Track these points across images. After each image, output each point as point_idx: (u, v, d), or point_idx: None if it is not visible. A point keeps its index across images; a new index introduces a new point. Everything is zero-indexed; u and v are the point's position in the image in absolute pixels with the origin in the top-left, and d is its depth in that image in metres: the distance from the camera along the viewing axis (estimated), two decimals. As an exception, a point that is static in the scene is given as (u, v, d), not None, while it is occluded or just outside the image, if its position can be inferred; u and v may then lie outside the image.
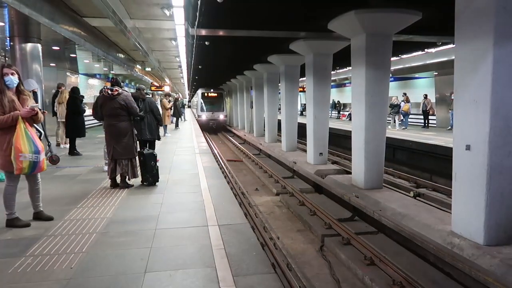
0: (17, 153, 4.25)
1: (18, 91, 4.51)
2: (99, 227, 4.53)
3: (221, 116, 31.34)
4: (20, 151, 4.25)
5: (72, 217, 4.92)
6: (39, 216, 4.80)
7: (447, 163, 9.08)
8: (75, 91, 10.79)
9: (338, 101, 34.91)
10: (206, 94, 31.59)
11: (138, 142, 7.15)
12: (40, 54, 11.65)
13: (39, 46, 11.60)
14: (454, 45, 5.93)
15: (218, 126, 31.94)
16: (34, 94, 8.54)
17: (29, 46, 11.34)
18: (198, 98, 32.39)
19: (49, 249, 3.86)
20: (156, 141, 8.84)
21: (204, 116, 30.79)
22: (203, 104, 31.25)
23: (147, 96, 9.02)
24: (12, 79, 4.37)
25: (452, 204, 5.93)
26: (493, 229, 5.26)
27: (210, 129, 31.51)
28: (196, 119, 31.95)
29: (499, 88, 5.09)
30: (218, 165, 8.91)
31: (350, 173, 9.73)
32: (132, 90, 37.47)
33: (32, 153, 4.33)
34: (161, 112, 15.09)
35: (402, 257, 5.99)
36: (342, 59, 11.78)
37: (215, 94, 31.87)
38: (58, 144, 11.85)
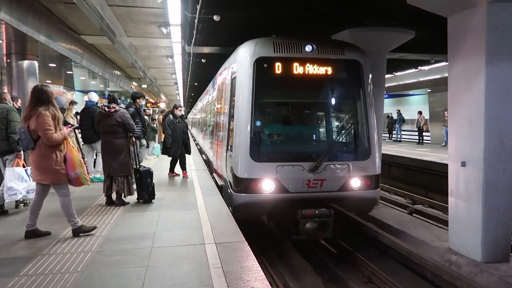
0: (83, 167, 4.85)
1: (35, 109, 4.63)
2: (95, 246, 4.47)
3: (358, 182, 6.31)
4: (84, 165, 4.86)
5: (67, 235, 4.86)
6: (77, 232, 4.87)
7: (442, 179, 9.12)
8: None
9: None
10: (282, 67, 6.44)
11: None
12: (37, 71, 11.69)
13: (35, 63, 11.65)
14: (447, 63, 6.04)
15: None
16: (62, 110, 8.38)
17: (25, 63, 11.39)
18: (238, 91, 6.55)
19: (44, 269, 3.79)
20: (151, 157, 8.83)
21: (271, 183, 6.09)
22: (263, 127, 6.79)
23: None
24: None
25: (448, 220, 5.94)
26: (490, 246, 5.27)
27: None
28: (225, 198, 6.99)
29: (492, 105, 5.18)
30: (214, 181, 8.88)
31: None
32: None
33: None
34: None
35: (400, 275, 5.95)
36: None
37: (327, 68, 6.54)
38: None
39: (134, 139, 7.47)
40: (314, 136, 7.51)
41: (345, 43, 7.08)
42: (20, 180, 5.48)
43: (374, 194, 6.60)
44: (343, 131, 7.18)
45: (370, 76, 6.81)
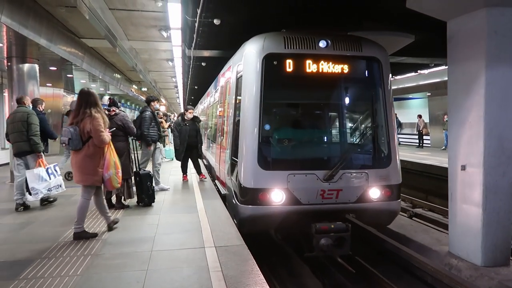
0: (118, 169, 4.92)
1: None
2: (94, 249, 4.46)
3: (377, 192, 5.80)
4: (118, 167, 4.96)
5: (66, 238, 4.86)
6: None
7: (442, 182, 9.12)
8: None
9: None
10: (293, 64, 5.85)
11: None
12: (37, 74, 11.69)
13: (36, 66, 11.65)
14: (446, 67, 6.05)
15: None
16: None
17: (26, 66, 11.38)
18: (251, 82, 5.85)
19: (43, 272, 3.79)
20: None
21: (282, 194, 5.53)
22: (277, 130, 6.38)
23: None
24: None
25: (448, 224, 5.93)
26: (490, 250, 5.26)
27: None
28: (229, 208, 6.47)
29: (492, 109, 5.18)
30: (214, 184, 8.88)
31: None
32: (128, 110, 37.32)
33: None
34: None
35: (400, 279, 5.94)
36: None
37: (344, 66, 5.98)
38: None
39: (151, 147, 7.57)
40: (329, 141, 6.72)
41: (363, 38, 6.38)
42: (40, 180, 5.98)
43: (395, 206, 5.93)
44: (361, 136, 6.51)
45: (390, 74, 6.28)
